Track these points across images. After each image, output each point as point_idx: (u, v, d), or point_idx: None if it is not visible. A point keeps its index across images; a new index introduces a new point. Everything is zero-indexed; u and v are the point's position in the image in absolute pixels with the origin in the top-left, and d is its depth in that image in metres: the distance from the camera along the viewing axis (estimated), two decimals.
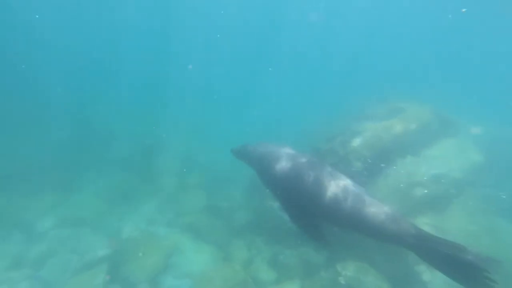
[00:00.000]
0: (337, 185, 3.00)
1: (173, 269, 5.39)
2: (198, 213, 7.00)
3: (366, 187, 5.17)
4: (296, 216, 3.10)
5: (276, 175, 3.22)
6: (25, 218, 6.61)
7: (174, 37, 24.04)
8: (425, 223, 4.59)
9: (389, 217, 2.64)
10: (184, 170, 8.69)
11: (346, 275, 4.42)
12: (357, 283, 4.21)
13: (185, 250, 5.88)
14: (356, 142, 5.84)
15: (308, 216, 3.07)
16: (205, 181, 8.30)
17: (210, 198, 7.57)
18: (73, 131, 10.14)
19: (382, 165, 5.35)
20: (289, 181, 3.14)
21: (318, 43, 24.80)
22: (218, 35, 24.35)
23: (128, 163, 9.16)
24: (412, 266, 4.25)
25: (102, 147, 9.59)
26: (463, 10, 15.39)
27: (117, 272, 5.03)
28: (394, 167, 5.29)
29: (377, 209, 2.77)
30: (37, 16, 18.08)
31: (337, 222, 3.00)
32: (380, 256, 4.56)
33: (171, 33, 23.99)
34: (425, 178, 5.16)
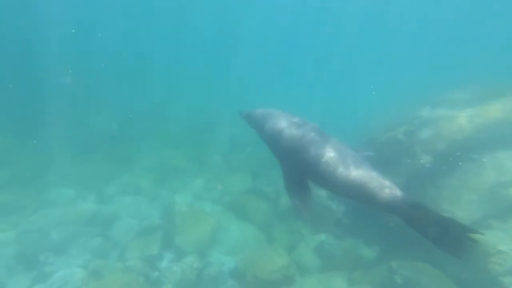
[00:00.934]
0: (332, 150, 2.89)
1: (219, 245, 5.71)
2: (242, 194, 7.20)
3: (443, 183, 4.51)
4: (291, 183, 3.04)
5: (273, 136, 3.32)
6: (97, 183, 7.60)
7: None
8: None
9: (382, 184, 2.61)
10: (230, 151, 8.93)
11: (403, 274, 4.10)
12: (416, 285, 3.87)
13: (229, 228, 6.16)
14: (427, 132, 4.97)
15: (302, 183, 3.00)
16: (250, 163, 8.41)
17: (254, 180, 7.70)
18: (136, 110, 11.13)
19: (475, 155, 4.45)
20: (285, 143, 3.15)
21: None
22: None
23: (179, 141, 9.75)
24: (494, 274, 3.61)
25: (158, 125, 10.35)
26: None
27: (170, 241, 5.52)
28: (479, 163, 4.39)
29: (370, 176, 2.69)
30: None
31: (330, 186, 2.91)
32: (446, 256, 4.07)
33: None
34: None
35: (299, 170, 3.01)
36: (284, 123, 3.30)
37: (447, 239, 2.32)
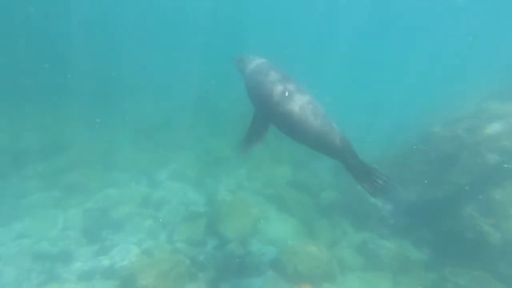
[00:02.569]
0: (300, 99, 3.05)
1: (260, 235, 5.77)
2: (284, 186, 7.12)
3: None
4: (255, 130, 3.27)
5: (249, 82, 3.54)
6: (148, 168, 8.21)
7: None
8: None
9: (337, 135, 2.91)
10: (272, 141, 8.85)
11: (458, 284, 3.73)
12: None
13: (270, 219, 6.17)
14: (494, 127, 4.40)
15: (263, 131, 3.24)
16: (292, 155, 8.24)
17: (296, 173, 7.54)
18: (184, 99, 11.70)
19: None
20: (258, 90, 3.34)
21: None
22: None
23: (223, 130, 9.99)
24: None
25: (205, 114, 10.71)
26: None
27: (214, 228, 5.74)
28: None
29: (330, 126, 2.95)
30: None
31: (293, 134, 3.12)
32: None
33: None
34: None
35: (266, 116, 3.17)
36: (261, 71, 3.43)
37: (370, 182, 2.82)
